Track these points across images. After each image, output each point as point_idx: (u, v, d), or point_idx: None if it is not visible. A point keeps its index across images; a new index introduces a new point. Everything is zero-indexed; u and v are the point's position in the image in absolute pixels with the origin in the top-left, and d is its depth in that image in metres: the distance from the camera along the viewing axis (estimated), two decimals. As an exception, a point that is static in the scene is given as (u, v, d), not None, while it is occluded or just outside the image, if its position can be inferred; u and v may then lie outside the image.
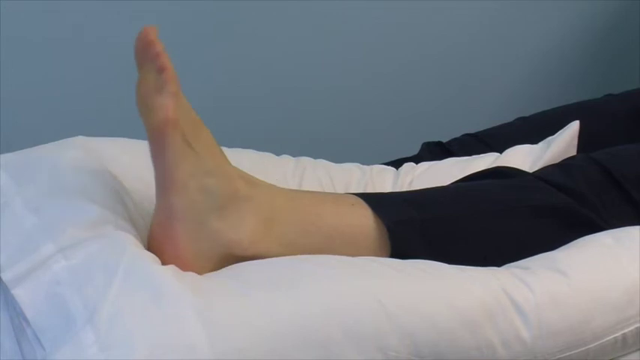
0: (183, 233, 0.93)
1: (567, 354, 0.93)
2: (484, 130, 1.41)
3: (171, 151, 0.92)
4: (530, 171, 1.16)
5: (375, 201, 1.01)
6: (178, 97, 0.93)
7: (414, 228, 1.00)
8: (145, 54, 0.93)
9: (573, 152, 1.23)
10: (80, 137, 1.09)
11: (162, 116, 0.92)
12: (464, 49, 1.95)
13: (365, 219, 0.99)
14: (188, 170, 0.93)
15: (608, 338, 0.95)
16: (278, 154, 1.28)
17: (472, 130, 1.41)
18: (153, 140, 0.94)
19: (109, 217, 0.95)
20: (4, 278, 0.90)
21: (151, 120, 0.92)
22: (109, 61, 1.67)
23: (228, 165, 0.97)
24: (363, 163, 1.30)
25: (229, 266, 0.93)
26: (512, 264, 0.98)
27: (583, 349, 0.94)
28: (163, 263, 0.91)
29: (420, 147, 1.39)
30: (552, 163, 1.17)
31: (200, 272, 0.92)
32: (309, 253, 0.95)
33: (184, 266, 0.91)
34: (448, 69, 1.96)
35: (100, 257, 0.89)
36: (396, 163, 1.31)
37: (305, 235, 0.97)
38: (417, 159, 1.33)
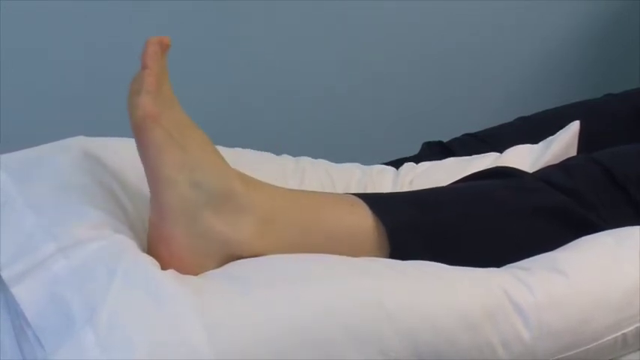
0: (176, 232, 0.92)
1: (567, 354, 0.93)
2: (484, 130, 1.41)
3: (154, 146, 0.91)
4: (531, 171, 1.16)
5: (375, 201, 1.00)
6: (158, 94, 0.91)
7: (413, 229, 0.99)
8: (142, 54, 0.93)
9: (573, 152, 1.23)
10: (80, 137, 1.08)
11: (140, 113, 0.90)
12: (464, 48, 1.96)
13: (364, 219, 0.99)
14: (174, 165, 0.91)
15: (608, 338, 0.95)
16: (278, 154, 1.28)
17: (472, 130, 1.41)
18: (136, 139, 0.92)
19: (108, 220, 0.95)
20: (3, 276, 0.90)
21: (132, 119, 0.92)
22: (109, 61, 1.67)
23: (223, 163, 0.96)
24: (363, 163, 1.29)
25: (228, 265, 0.93)
26: (512, 264, 0.98)
27: (583, 349, 0.94)
28: (162, 266, 0.90)
29: (420, 147, 1.39)
30: (552, 162, 1.17)
31: (198, 272, 0.91)
32: (309, 252, 0.95)
33: (182, 267, 0.91)
34: (448, 69, 1.96)
35: (100, 258, 0.89)
36: (397, 163, 1.30)
37: (304, 235, 0.97)
38: (417, 159, 1.33)
